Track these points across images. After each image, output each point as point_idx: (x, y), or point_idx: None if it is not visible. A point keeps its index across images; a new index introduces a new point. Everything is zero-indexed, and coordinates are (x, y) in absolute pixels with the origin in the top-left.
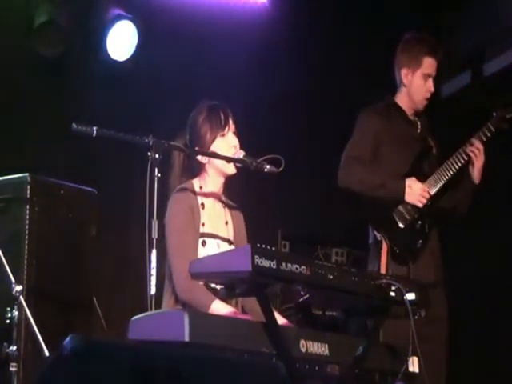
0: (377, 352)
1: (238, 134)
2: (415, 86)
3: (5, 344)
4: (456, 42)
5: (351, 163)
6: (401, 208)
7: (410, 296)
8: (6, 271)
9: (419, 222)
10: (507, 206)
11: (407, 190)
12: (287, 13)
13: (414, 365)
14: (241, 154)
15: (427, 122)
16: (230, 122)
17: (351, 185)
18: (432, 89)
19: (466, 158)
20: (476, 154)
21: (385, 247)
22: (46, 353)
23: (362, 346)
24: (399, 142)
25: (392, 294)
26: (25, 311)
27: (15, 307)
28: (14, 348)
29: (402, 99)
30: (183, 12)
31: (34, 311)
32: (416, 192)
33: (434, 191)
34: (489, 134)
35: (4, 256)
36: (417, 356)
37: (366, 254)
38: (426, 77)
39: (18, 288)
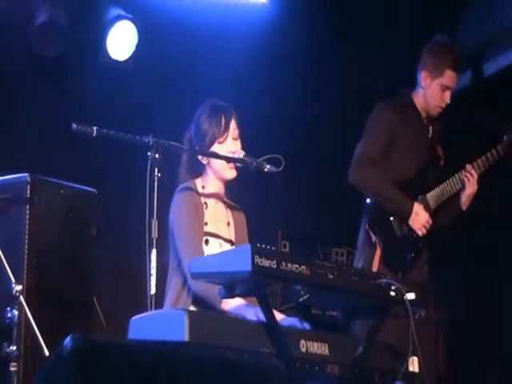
0: (377, 352)
1: (241, 136)
2: (431, 92)
3: (5, 344)
4: (456, 42)
5: (364, 164)
6: None
7: (410, 296)
8: (6, 271)
9: (414, 235)
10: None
11: (413, 215)
12: (287, 13)
13: (413, 365)
14: (241, 154)
15: (439, 128)
16: (232, 127)
17: (360, 186)
18: (448, 100)
19: (463, 182)
20: (470, 179)
21: (378, 251)
22: (46, 352)
23: (361, 345)
24: (411, 143)
25: (392, 293)
26: (25, 311)
27: (15, 307)
28: (14, 348)
29: (418, 99)
30: (183, 12)
31: (34, 311)
32: (420, 221)
33: (433, 206)
34: (497, 157)
35: (4, 256)
36: (417, 356)
37: (355, 249)
38: (443, 87)
39: (18, 288)
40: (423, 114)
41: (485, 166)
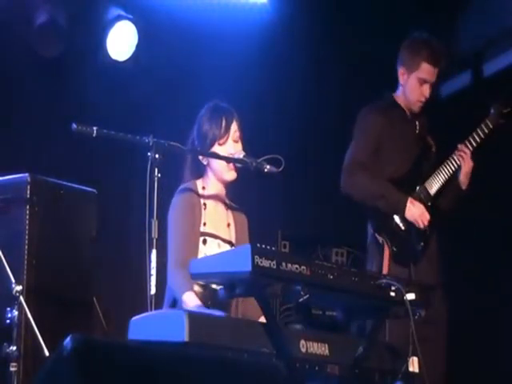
0: (377, 352)
1: (242, 138)
2: (409, 87)
3: (5, 344)
4: (456, 42)
5: (354, 170)
6: None
7: (410, 296)
8: (6, 271)
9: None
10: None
11: (408, 205)
12: (287, 13)
13: (413, 365)
14: (241, 155)
15: (426, 121)
16: (232, 129)
17: (353, 193)
18: (426, 94)
19: (458, 161)
20: (464, 157)
21: (387, 251)
22: (46, 353)
23: (361, 345)
24: (400, 143)
25: (392, 294)
26: (25, 311)
27: (15, 307)
28: (14, 348)
29: (400, 97)
30: (183, 12)
31: (34, 311)
32: (417, 212)
33: (433, 192)
34: (487, 131)
35: (4, 256)
36: (417, 356)
37: (366, 254)
38: (421, 81)
39: (18, 288)
40: (408, 111)
41: (476, 141)
